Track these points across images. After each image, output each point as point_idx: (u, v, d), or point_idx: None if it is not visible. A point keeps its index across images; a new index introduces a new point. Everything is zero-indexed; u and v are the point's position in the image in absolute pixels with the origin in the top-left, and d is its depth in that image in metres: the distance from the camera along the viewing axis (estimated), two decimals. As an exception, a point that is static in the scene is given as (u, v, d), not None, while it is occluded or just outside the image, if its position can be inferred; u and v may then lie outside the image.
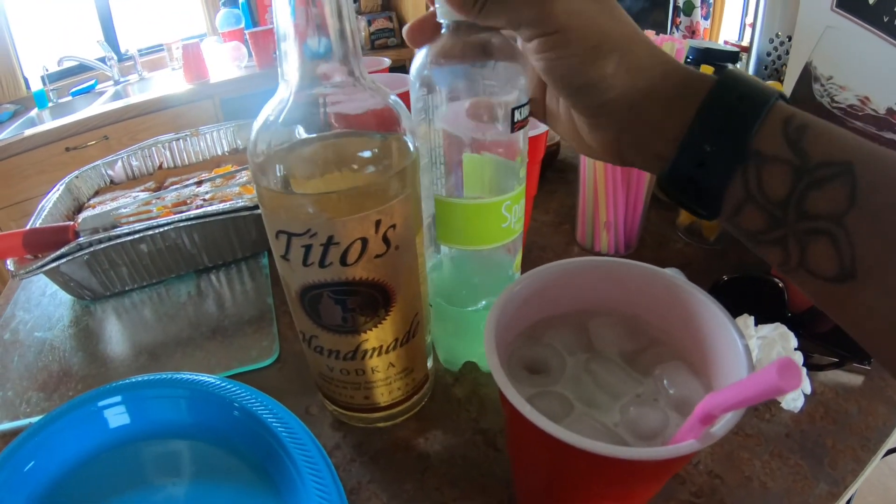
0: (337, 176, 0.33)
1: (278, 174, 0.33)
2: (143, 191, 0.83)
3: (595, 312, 0.37)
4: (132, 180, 0.89)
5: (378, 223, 0.33)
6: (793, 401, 0.48)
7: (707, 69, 0.70)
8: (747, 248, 0.31)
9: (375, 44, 2.58)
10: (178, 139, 0.89)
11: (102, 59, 2.35)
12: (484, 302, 0.46)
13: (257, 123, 0.33)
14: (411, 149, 0.34)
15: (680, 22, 2.34)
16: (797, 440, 0.46)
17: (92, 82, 2.36)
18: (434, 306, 0.46)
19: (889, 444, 0.47)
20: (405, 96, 0.37)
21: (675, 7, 2.34)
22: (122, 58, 2.47)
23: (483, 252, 0.42)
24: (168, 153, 0.89)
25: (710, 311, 0.32)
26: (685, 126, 0.30)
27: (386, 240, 0.34)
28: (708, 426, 0.25)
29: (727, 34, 2.10)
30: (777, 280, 0.55)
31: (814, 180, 0.27)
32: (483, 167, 0.39)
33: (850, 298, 0.27)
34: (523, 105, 0.37)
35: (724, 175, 0.29)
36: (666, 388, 0.32)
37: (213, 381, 0.46)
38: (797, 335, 0.50)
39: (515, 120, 0.36)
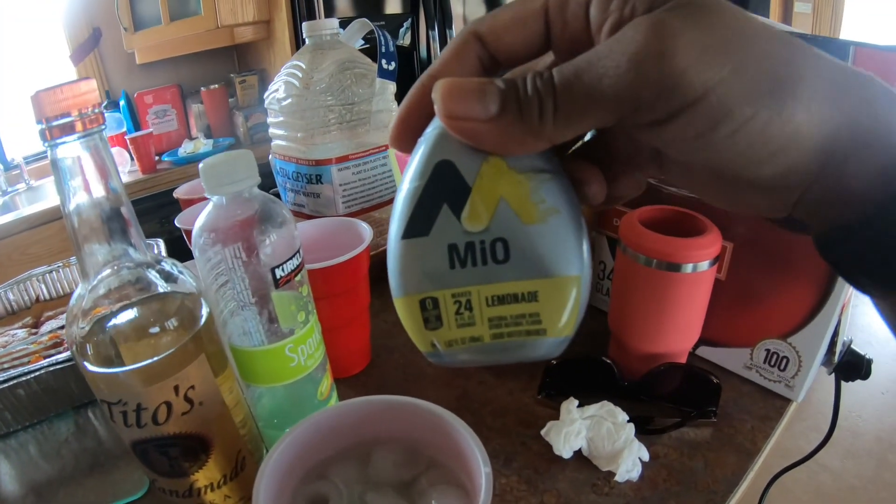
0: (132, 350, 0.38)
1: (89, 352, 0.38)
2: (21, 327, 0.86)
3: (379, 441, 0.43)
4: (12, 315, 0.91)
5: (177, 388, 0.38)
6: (627, 472, 0.51)
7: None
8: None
9: (254, 138, 2.61)
10: (51, 271, 0.92)
11: (-12, 171, 2.32)
12: None
13: (67, 314, 0.38)
14: (202, 313, 0.40)
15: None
16: (638, 508, 0.49)
17: (-20, 194, 2.32)
18: (260, 430, 0.51)
19: (740, 491, 0.50)
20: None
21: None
22: (8, 166, 2.43)
23: (284, 385, 0.48)
24: (43, 286, 0.92)
25: (465, 440, 0.38)
26: None
27: (188, 399, 0.39)
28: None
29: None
30: (605, 359, 0.60)
31: None
32: (289, 302, 0.45)
33: None
34: (284, 262, 0.43)
35: None
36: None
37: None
38: (639, 401, 0.55)
39: (278, 277, 0.43)
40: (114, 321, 0.38)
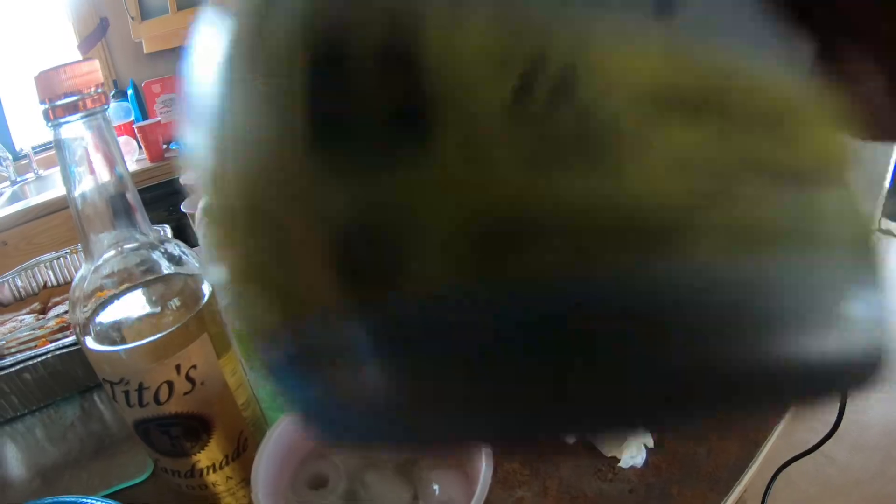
0: (135, 331, 0.38)
1: (91, 332, 0.38)
2: (28, 312, 0.86)
3: None
4: (19, 301, 0.92)
5: (178, 367, 0.38)
6: (631, 458, 0.50)
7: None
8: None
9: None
10: (58, 258, 0.92)
11: (-3, 160, 2.33)
12: None
13: (70, 296, 0.38)
14: (204, 292, 0.40)
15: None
16: (641, 494, 0.48)
17: (-10, 183, 2.34)
18: (265, 413, 0.51)
19: (745, 479, 0.49)
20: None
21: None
22: (17, 156, 2.44)
23: None
24: (51, 273, 0.92)
25: None
26: None
27: (190, 379, 0.39)
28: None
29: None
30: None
31: None
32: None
33: None
34: None
35: None
36: (434, 491, 0.38)
37: (89, 500, 0.50)
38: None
39: None
40: (117, 303, 0.38)
